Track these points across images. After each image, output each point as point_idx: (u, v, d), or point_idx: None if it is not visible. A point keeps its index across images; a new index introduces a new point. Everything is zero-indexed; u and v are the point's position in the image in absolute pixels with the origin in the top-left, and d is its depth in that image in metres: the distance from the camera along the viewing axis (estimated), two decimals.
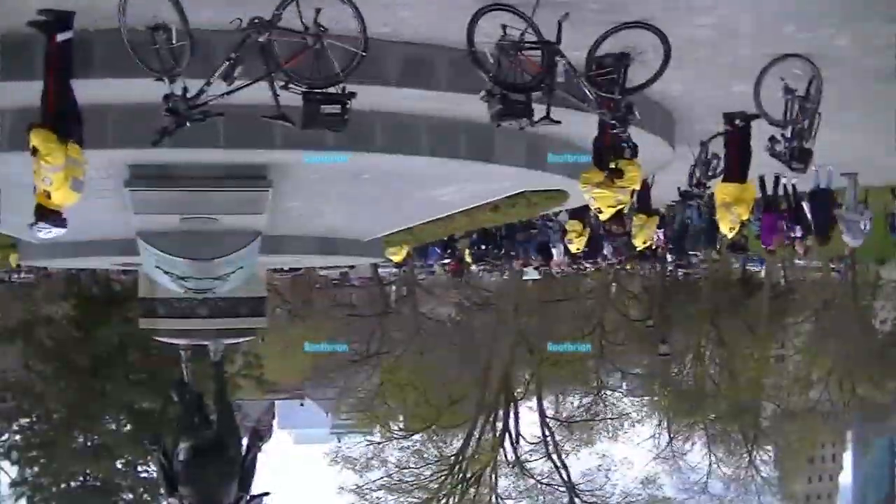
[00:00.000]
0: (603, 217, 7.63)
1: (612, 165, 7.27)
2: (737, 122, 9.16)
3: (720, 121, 9.41)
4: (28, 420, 29.96)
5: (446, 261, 26.62)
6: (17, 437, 29.67)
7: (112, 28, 6.06)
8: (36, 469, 28.89)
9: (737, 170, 9.18)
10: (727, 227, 9.32)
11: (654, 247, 15.29)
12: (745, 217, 9.24)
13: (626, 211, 7.83)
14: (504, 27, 6.31)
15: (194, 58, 5.98)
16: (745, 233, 13.76)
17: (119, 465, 29.46)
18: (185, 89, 6.07)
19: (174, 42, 5.95)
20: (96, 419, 28.90)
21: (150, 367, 27.20)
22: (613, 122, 6.97)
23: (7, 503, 28.48)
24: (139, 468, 29.01)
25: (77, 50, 6.38)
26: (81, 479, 29.16)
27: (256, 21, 5.88)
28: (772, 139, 8.61)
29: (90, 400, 28.17)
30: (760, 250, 18.46)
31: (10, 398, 31.04)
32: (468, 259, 24.98)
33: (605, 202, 7.41)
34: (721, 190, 9.26)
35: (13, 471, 29.09)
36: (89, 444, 29.12)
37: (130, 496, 29.30)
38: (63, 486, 29.04)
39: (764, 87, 7.98)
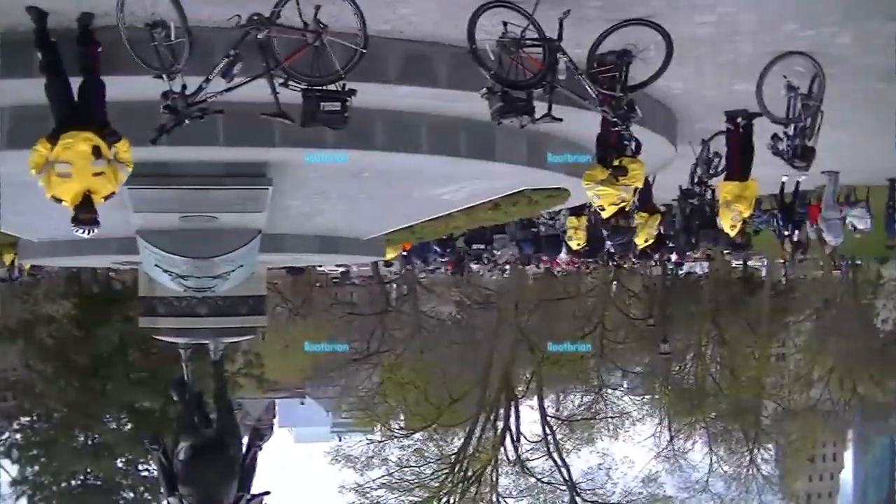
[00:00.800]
0: (605, 215, 7.60)
1: (616, 163, 7.25)
2: (739, 120, 9.17)
3: (722, 119, 9.40)
4: (28, 419, 29.94)
5: (444, 259, 26.59)
6: (18, 435, 29.65)
7: (111, 25, 6.04)
8: (36, 468, 28.88)
9: (738, 168, 9.18)
10: (729, 225, 9.29)
11: (655, 245, 15.23)
12: (746, 215, 9.21)
13: (628, 209, 7.79)
14: (505, 24, 6.27)
15: (193, 55, 5.95)
16: (748, 230, 13.81)
17: (119, 464, 29.46)
18: (184, 87, 6.04)
19: (173, 39, 5.92)
20: (97, 418, 28.84)
21: (151, 366, 27.20)
22: (615, 119, 6.94)
23: (7, 502, 28.49)
24: (139, 467, 28.98)
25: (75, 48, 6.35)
26: (82, 477, 29.15)
27: (256, 18, 5.85)
28: (774, 137, 8.60)
29: (90, 399, 28.14)
30: (765, 247, 18.50)
31: (10, 397, 31.12)
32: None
33: (607, 200, 7.39)
34: (723, 188, 9.24)
35: (14, 469, 29.09)
36: (90, 442, 29.09)
37: (131, 495, 29.28)
38: (63, 484, 29.02)
39: (766, 84, 7.95)
